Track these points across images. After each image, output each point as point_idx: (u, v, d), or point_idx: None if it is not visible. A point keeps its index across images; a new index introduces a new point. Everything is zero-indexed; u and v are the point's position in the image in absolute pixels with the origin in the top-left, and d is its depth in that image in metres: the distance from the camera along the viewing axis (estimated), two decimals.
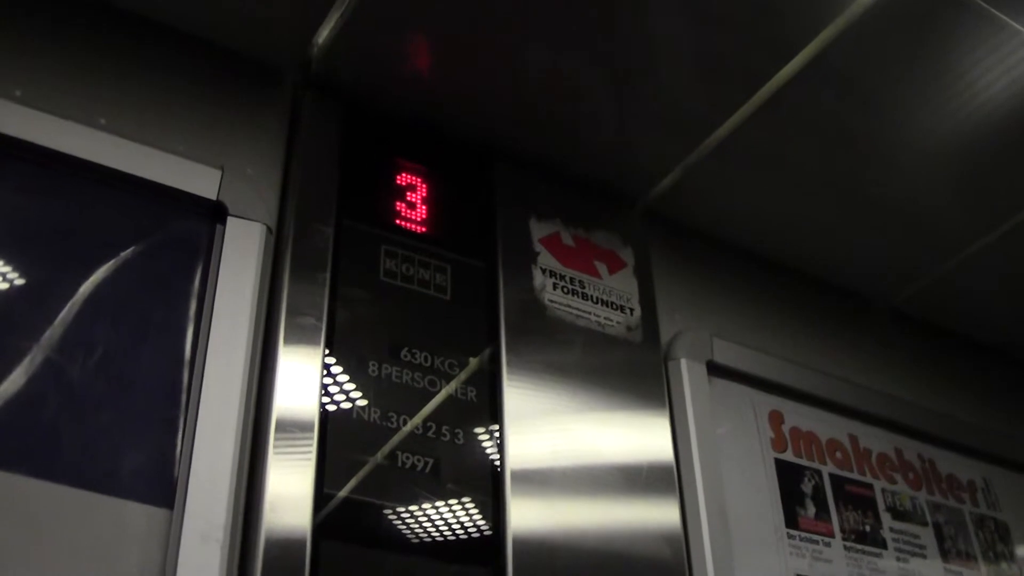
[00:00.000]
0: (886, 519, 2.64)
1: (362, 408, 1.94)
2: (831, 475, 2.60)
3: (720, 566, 2.19)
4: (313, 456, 1.83)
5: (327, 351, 1.96)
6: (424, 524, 1.91)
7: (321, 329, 1.96)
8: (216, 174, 2.01)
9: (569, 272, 2.38)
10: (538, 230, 2.40)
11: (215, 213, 1.99)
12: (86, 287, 1.81)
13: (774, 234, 2.82)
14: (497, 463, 2.04)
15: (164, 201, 1.97)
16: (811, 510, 2.49)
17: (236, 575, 1.69)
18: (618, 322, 2.38)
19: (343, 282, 2.05)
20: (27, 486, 1.61)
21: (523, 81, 2.30)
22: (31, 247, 1.81)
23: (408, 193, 2.26)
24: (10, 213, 1.82)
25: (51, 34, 2.02)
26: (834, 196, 2.68)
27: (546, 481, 2.07)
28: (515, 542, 1.96)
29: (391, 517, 1.88)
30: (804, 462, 2.56)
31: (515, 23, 2.16)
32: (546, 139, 2.45)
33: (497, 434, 2.07)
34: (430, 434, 1.99)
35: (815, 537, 2.45)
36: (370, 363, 2.00)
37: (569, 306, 2.33)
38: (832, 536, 2.49)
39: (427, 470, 1.94)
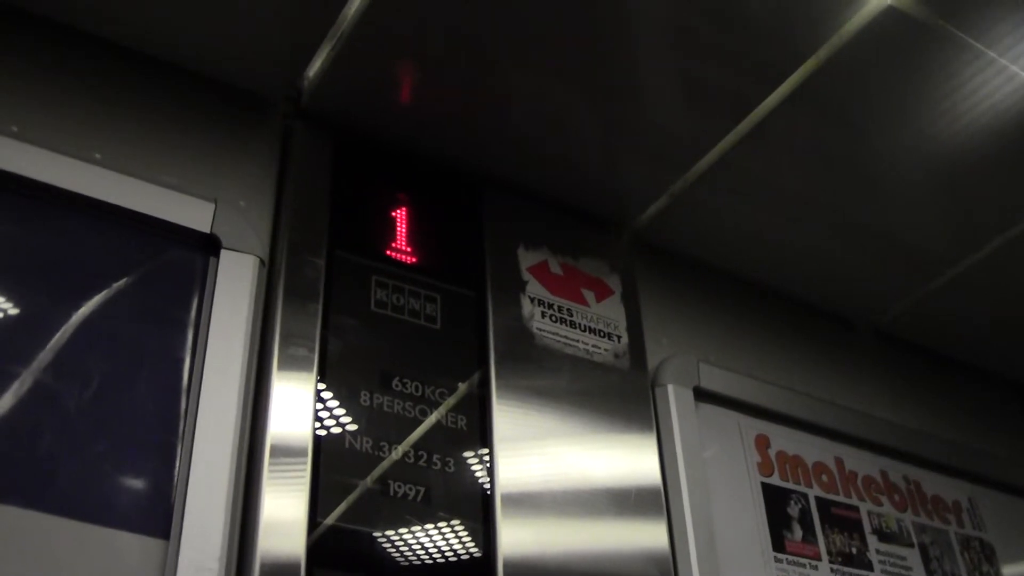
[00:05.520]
0: (872, 541, 2.66)
1: (354, 437, 1.96)
2: (817, 498, 2.61)
3: None
4: (307, 484, 1.85)
5: (319, 381, 1.98)
6: (416, 551, 1.92)
7: (313, 359, 1.99)
8: (209, 207, 2.03)
9: (557, 300, 2.40)
10: (526, 259, 2.42)
11: (209, 246, 2.01)
12: (82, 319, 1.83)
13: (760, 259, 2.85)
14: (487, 490, 2.06)
15: (159, 234, 1.99)
16: (798, 533, 2.51)
17: None
18: (606, 349, 2.41)
19: (335, 312, 2.08)
20: (22, 518, 1.62)
21: (511, 110, 2.33)
22: (28, 280, 1.83)
23: (398, 223, 2.28)
24: (7, 247, 1.84)
25: (46, 70, 2.05)
26: (819, 221, 2.71)
27: (536, 506, 2.09)
28: (506, 566, 1.98)
29: (384, 544, 1.90)
30: (790, 485, 2.58)
31: (503, 54, 2.19)
32: (534, 168, 2.48)
33: (487, 461, 2.09)
34: (421, 462, 2.01)
35: (802, 560, 2.47)
36: (362, 392, 2.02)
37: (557, 334, 2.35)
38: (819, 559, 2.51)
39: (418, 499, 1.96)
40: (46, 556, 1.62)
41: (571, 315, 2.41)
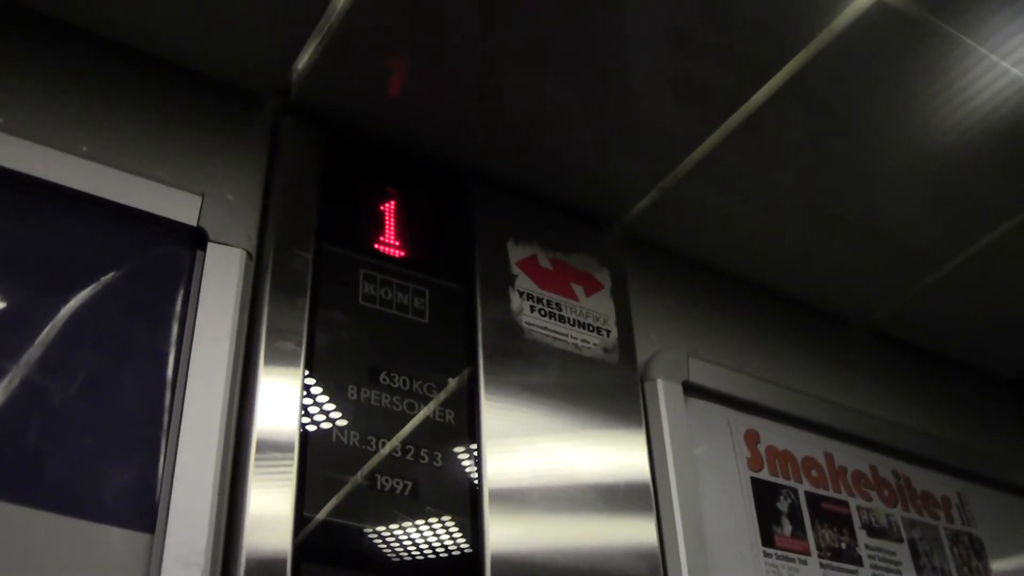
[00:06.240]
0: (862, 536, 2.66)
1: (341, 431, 1.96)
2: (807, 493, 2.61)
3: None
4: (293, 479, 1.84)
5: (307, 375, 1.98)
6: (404, 546, 1.92)
7: (301, 353, 1.98)
8: (196, 200, 2.02)
9: (546, 295, 2.40)
10: (515, 253, 2.42)
11: (196, 239, 2.00)
12: (68, 312, 1.82)
13: (751, 254, 2.85)
14: (476, 484, 2.05)
15: (146, 227, 1.98)
16: (787, 528, 2.51)
17: None
18: (595, 344, 2.40)
19: (322, 306, 2.07)
20: (8, 513, 1.61)
21: (501, 105, 2.33)
22: (12, 273, 1.82)
23: (386, 217, 2.28)
24: None
25: (33, 62, 2.04)
26: (810, 216, 2.71)
27: (524, 501, 2.09)
28: (494, 562, 1.98)
29: (371, 539, 1.89)
30: (780, 480, 2.58)
31: (493, 49, 2.19)
32: (524, 162, 2.47)
33: (475, 456, 2.08)
34: (409, 457, 2.01)
35: (791, 555, 2.47)
36: (349, 387, 2.02)
37: (546, 328, 2.35)
38: (808, 554, 2.51)
39: (406, 493, 1.96)
40: (31, 550, 1.61)
41: (560, 309, 2.40)
